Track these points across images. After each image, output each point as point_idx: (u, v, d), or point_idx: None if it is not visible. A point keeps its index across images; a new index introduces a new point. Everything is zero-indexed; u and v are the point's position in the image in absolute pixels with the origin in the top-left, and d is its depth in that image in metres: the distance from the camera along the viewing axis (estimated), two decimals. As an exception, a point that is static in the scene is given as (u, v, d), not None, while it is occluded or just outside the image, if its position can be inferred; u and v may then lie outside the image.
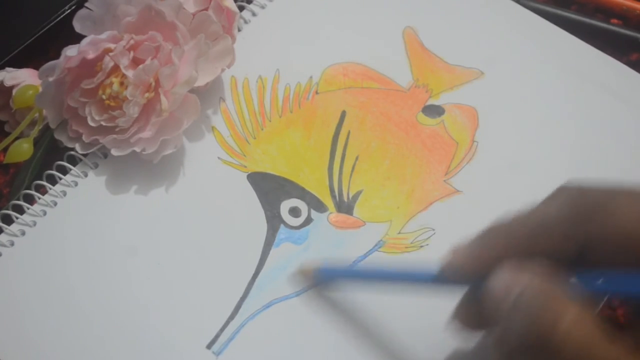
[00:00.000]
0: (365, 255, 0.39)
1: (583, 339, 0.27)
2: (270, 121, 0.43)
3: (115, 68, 0.40)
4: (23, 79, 0.43)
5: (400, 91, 0.45)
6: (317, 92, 0.44)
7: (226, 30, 0.43)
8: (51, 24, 0.46)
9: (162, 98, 0.39)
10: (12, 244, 0.39)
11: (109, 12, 0.41)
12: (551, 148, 0.42)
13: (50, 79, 0.39)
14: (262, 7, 0.48)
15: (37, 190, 0.41)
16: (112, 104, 0.40)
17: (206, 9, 0.42)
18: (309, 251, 0.39)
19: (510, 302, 0.28)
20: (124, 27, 0.40)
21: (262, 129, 0.43)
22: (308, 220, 0.40)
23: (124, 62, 0.39)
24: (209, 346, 0.37)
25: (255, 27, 0.47)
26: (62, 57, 0.39)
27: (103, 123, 0.40)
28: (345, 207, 0.41)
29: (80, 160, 0.42)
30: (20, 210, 0.40)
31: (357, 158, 0.42)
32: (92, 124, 0.40)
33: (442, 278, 0.32)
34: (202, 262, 0.39)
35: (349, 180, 0.41)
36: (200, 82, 0.41)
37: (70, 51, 0.39)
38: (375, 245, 0.39)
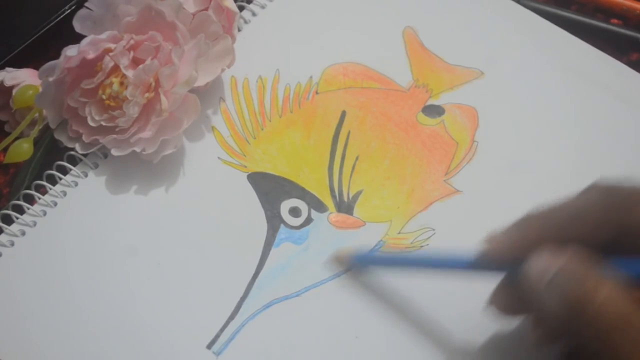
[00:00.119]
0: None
1: (619, 311, 0.27)
2: (270, 121, 0.43)
3: (115, 68, 0.40)
4: (23, 79, 0.43)
5: (400, 91, 0.45)
6: (317, 92, 0.44)
7: (226, 30, 0.43)
8: (51, 24, 0.46)
9: (162, 98, 0.39)
10: (12, 244, 0.39)
11: (109, 12, 0.41)
12: (551, 148, 0.42)
13: (50, 79, 0.39)
14: (262, 7, 0.48)
15: (37, 190, 0.41)
16: (112, 104, 0.40)
17: (206, 9, 0.42)
18: (309, 251, 0.39)
19: (547, 280, 0.29)
20: (124, 27, 0.40)
21: (262, 129, 0.43)
22: (308, 220, 0.40)
23: (124, 62, 0.39)
24: (209, 346, 0.37)
25: (255, 27, 0.47)
26: (62, 57, 0.39)
27: (103, 123, 0.40)
28: (345, 207, 0.41)
29: (80, 160, 0.42)
30: (20, 210, 0.40)
31: (357, 158, 0.42)
32: (92, 124, 0.40)
33: (478, 265, 0.33)
34: (202, 262, 0.39)
35: (349, 180, 0.41)
36: (200, 82, 0.41)
37: (70, 51, 0.39)
38: (376, 245, 0.40)
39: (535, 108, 0.44)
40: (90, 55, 0.39)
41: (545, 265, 0.29)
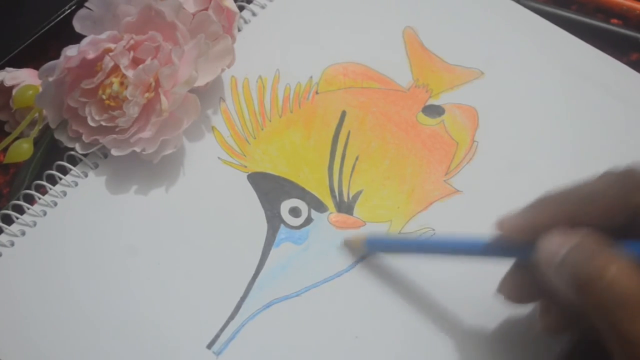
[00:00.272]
0: (366, 256, 0.39)
1: (628, 288, 0.27)
2: (270, 121, 0.43)
3: (115, 68, 0.40)
4: (23, 79, 0.43)
5: (400, 91, 0.45)
6: (317, 92, 0.44)
7: (226, 30, 0.43)
8: (51, 24, 0.46)
9: (162, 98, 0.39)
10: (12, 244, 0.39)
11: (109, 12, 0.41)
12: (551, 148, 0.42)
13: (50, 79, 0.39)
14: (262, 7, 0.48)
15: (37, 190, 0.41)
16: (112, 104, 0.40)
17: (206, 9, 0.42)
18: (309, 251, 0.39)
19: (558, 260, 0.29)
20: (124, 27, 0.40)
21: (262, 129, 0.43)
22: (308, 220, 0.40)
23: (124, 62, 0.39)
24: (209, 346, 0.37)
25: (255, 27, 0.47)
26: (62, 57, 0.39)
27: (103, 123, 0.40)
28: (345, 207, 0.41)
29: (80, 160, 0.42)
30: (20, 210, 0.40)
31: (357, 158, 0.42)
32: (92, 124, 0.40)
33: (490, 249, 0.33)
34: (202, 262, 0.39)
35: (349, 180, 0.41)
36: (200, 82, 0.41)
37: (70, 51, 0.39)
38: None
39: (535, 108, 0.44)
40: (90, 55, 0.39)
41: (556, 247, 0.29)
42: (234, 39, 0.43)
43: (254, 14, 0.47)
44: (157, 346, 0.36)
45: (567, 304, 0.29)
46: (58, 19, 0.46)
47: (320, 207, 0.41)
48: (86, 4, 0.41)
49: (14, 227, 0.40)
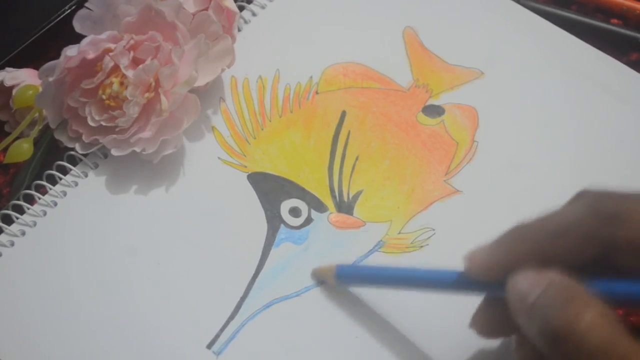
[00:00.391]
0: (366, 256, 0.39)
1: (605, 334, 0.26)
2: (270, 121, 0.43)
3: (115, 68, 0.40)
4: (23, 79, 0.43)
5: (400, 91, 0.45)
6: (317, 92, 0.44)
7: (226, 30, 0.43)
8: (51, 24, 0.46)
9: (162, 98, 0.39)
10: (12, 244, 0.39)
11: (109, 12, 0.41)
12: (551, 148, 0.42)
13: (50, 79, 0.39)
14: (262, 7, 0.47)
15: (37, 190, 0.41)
16: (112, 104, 0.40)
17: (206, 9, 0.42)
18: (309, 251, 0.39)
19: (529, 306, 0.28)
20: (124, 27, 0.40)
21: (262, 129, 0.43)
22: (308, 220, 0.40)
23: (124, 62, 0.39)
24: (209, 346, 0.37)
25: (255, 27, 0.47)
26: (62, 57, 0.39)
27: (103, 123, 0.40)
28: (345, 207, 0.41)
29: (80, 160, 0.42)
30: (20, 210, 0.40)
31: (357, 158, 0.42)
32: (92, 124, 0.40)
33: (460, 282, 0.32)
34: (202, 262, 0.39)
35: (349, 180, 0.41)
36: (200, 82, 0.41)
37: (70, 51, 0.39)
38: (376, 245, 0.39)
39: (535, 108, 0.44)
40: (90, 55, 0.39)
41: (526, 289, 0.28)
42: (234, 39, 0.43)
43: (254, 14, 0.47)
44: (157, 346, 0.36)
45: (541, 348, 0.28)
46: (58, 19, 0.46)
47: (320, 207, 0.41)
48: (86, 4, 0.41)
49: (14, 227, 0.40)
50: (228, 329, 0.37)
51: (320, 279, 0.38)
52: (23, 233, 0.40)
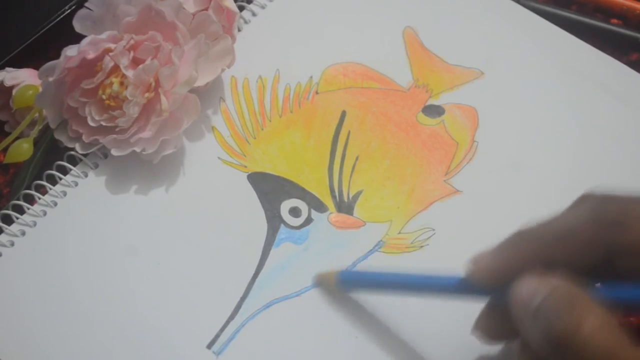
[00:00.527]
0: (366, 256, 0.39)
1: (607, 342, 0.26)
2: (270, 121, 0.43)
3: (115, 68, 0.40)
4: (23, 79, 0.43)
5: (400, 91, 0.45)
6: (317, 92, 0.44)
7: (226, 30, 0.43)
8: (51, 24, 0.46)
9: (162, 98, 0.39)
10: (12, 244, 0.39)
11: (109, 12, 0.41)
12: (551, 148, 0.42)
13: (50, 79, 0.39)
14: (262, 7, 0.47)
15: (37, 190, 0.41)
16: (112, 104, 0.40)
17: (206, 9, 0.42)
18: (309, 251, 0.39)
19: (535, 306, 0.27)
20: (124, 27, 0.40)
21: (262, 129, 0.43)
22: (308, 220, 0.40)
23: (124, 62, 0.39)
24: (209, 346, 0.37)
25: (255, 27, 0.47)
26: (62, 57, 0.39)
27: (103, 123, 0.40)
28: (345, 207, 0.41)
29: (80, 160, 0.42)
30: (20, 210, 0.40)
31: (357, 158, 0.42)
32: (92, 124, 0.40)
33: (464, 287, 0.32)
34: (202, 262, 0.39)
35: (349, 180, 0.41)
36: (200, 82, 0.41)
37: (70, 51, 0.39)
38: (376, 245, 0.39)
39: (535, 108, 0.44)
40: (90, 55, 0.39)
41: (530, 294, 0.28)
42: (234, 39, 0.43)
43: (254, 14, 0.47)
44: (157, 346, 0.36)
45: (544, 354, 0.28)
46: (58, 19, 0.46)
47: (320, 207, 0.41)
48: (86, 4, 0.41)
49: (14, 227, 0.40)
50: (228, 329, 0.37)
51: (322, 285, 0.38)
52: (23, 233, 0.40)
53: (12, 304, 0.38)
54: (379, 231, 0.40)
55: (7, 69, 0.43)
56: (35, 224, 0.40)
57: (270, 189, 0.41)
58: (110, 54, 0.39)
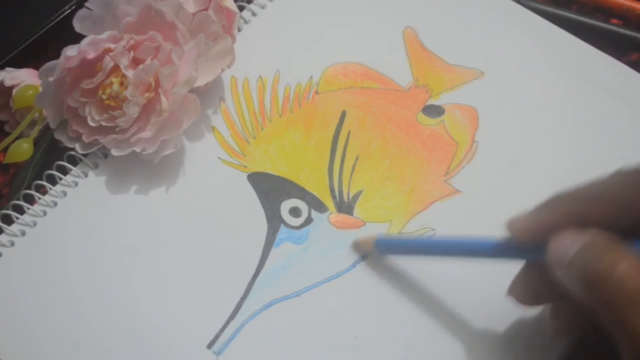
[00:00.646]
0: (366, 256, 0.39)
1: (636, 286, 0.27)
2: (270, 121, 0.43)
3: (115, 68, 0.40)
4: (23, 79, 0.43)
5: (400, 91, 0.45)
6: (317, 92, 0.44)
7: (226, 30, 0.43)
8: (51, 24, 0.46)
9: (162, 98, 0.39)
10: (12, 244, 0.39)
11: (109, 12, 0.41)
12: (551, 148, 0.42)
13: (50, 79, 0.39)
14: (262, 7, 0.47)
15: (37, 190, 0.41)
16: (112, 104, 0.40)
17: (206, 9, 0.42)
18: (309, 251, 0.39)
19: (568, 260, 0.29)
20: (124, 27, 0.40)
21: (262, 129, 0.43)
22: (308, 220, 0.40)
23: (124, 62, 0.39)
24: (209, 346, 0.37)
25: (255, 27, 0.47)
26: (62, 57, 0.39)
27: (103, 123, 0.40)
28: (345, 207, 0.41)
29: (80, 160, 0.42)
30: (20, 210, 0.40)
31: (357, 158, 0.42)
32: (92, 124, 0.40)
33: (500, 250, 0.32)
34: (202, 262, 0.39)
35: (349, 180, 0.41)
36: (200, 82, 0.41)
37: (70, 51, 0.39)
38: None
39: (535, 108, 0.44)
40: (90, 55, 0.39)
41: (566, 246, 0.29)
42: (234, 39, 0.43)
43: (254, 14, 0.47)
44: (157, 346, 0.36)
45: (577, 305, 0.29)
46: (58, 19, 0.46)
47: (320, 207, 0.41)
48: (86, 4, 0.41)
49: (14, 227, 0.40)
50: (228, 329, 0.37)
51: (360, 249, 0.39)
52: (23, 233, 0.40)
53: (12, 304, 0.38)
54: (379, 231, 0.40)
55: (7, 69, 0.43)
56: (35, 224, 0.40)
57: (271, 189, 0.41)
58: (110, 54, 0.39)
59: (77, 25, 0.41)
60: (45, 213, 0.40)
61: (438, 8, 0.48)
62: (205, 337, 0.37)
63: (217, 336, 0.37)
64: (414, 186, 0.41)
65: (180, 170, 0.42)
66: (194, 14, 0.41)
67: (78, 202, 0.41)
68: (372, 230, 0.40)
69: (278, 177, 0.42)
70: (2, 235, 0.40)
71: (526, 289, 0.33)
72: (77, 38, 0.40)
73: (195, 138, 0.43)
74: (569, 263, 0.29)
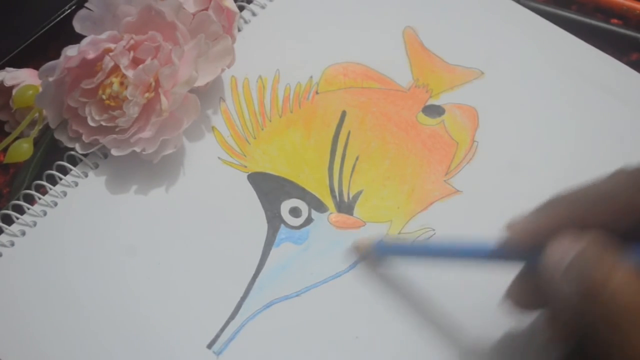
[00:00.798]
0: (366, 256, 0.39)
1: (631, 298, 0.27)
2: (270, 121, 0.43)
3: (115, 68, 0.40)
4: (23, 79, 0.43)
5: (400, 91, 0.45)
6: (317, 92, 0.44)
7: (226, 30, 0.43)
8: (51, 24, 0.46)
9: (162, 98, 0.39)
10: (12, 244, 0.39)
11: (109, 12, 0.41)
12: (551, 148, 0.42)
13: (50, 79, 0.39)
14: (262, 7, 0.48)
15: (37, 190, 0.41)
16: (112, 104, 0.40)
17: (206, 9, 0.42)
18: (309, 251, 0.39)
19: (566, 262, 0.28)
20: (124, 27, 0.40)
21: (263, 129, 0.43)
22: (308, 221, 0.40)
23: (124, 62, 0.39)
24: (209, 346, 0.37)
25: (255, 27, 0.47)
26: (62, 57, 0.39)
27: (103, 123, 0.40)
28: (345, 207, 0.41)
29: (80, 160, 0.42)
30: (20, 210, 0.40)
31: (357, 158, 0.42)
32: (92, 124, 0.40)
33: (498, 252, 0.32)
34: (202, 262, 0.39)
35: (349, 180, 0.41)
36: (200, 82, 0.41)
37: (70, 51, 0.39)
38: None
39: (535, 108, 0.44)
40: (90, 55, 0.39)
41: (563, 252, 0.29)
42: (234, 39, 0.43)
43: (254, 14, 0.47)
44: (157, 346, 0.36)
45: (573, 313, 0.29)
46: (58, 19, 0.46)
47: (320, 207, 0.41)
48: (86, 4, 0.41)
49: (14, 227, 0.40)
50: (228, 329, 0.37)
51: (358, 253, 0.38)
52: (23, 233, 0.40)
53: (12, 304, 0.38)
54: (379, 231, 0.40)
55: (7, 69, 0.43)
56: (35, 224, 0.40)
57: (271, 189, 0.41)
58: (110, 54, 0.39)
59: (77, 25, 0.41)
60: (45, 213, 0.40)
61: (438, 8, 0.48)
62: (205, 337, 0.37)
63: (217, 336, 0.37)
64: (414, 186, 0.41)
65: (180, 170, 0.42)
66: (194, 14, 0.41)
67: (78, 202, 0.41)
68: (372, 230, 0.40)
69: (278, 177, 0.42)
70: (2, 235, 0.40)
71: (523, 293, 0.33)
72: (77, 38, 0.40)
73: (195, 138, 0.43)
74: (564, 271, 0.28)
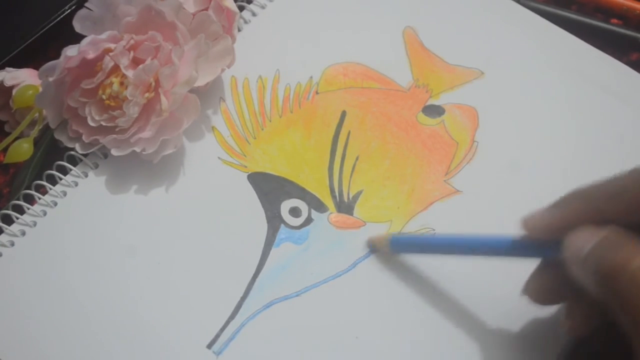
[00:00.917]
0: (366, 256, 0.39)
1: None
2: (270, 121, 0.43)
3: (115, 68, 0.40)
4: (23, 79, 0.43)
5: (400, 91, 0.45)
6: (317, 92, 0.44)
7: (226, 30, 0.43)
8: (51, 24, 0.46)
9: (162, 98, 0.39)
10: (12, 244, 0.39)
11: (109, 12, 0.41)
12: (551, 148, 0.42)
13: (50, 79, 0.39)
14: (262, 7, 0.48)
15: (37, 190, 0.41)
16: (112, 104, 0.40)
17: (206, 9, 0.42)
18: (309, 251, 0.39)
19: (586, 251, 0.29)
20: (124, 27, 0.40)
21: (263, 129, 0.43)
22: (308, 220, 0.40)
23: (124, 62, 0.39)
24: (209, 346, 0.37)
25: (255, 27, 0.47)
26: (62, 57, 0.39)
27: (103, 123, 0.40)
28: (345, 207, 0.41)
29: (81, 160, 0.42)
30: (20, 210, 0.40)
31: (357, 158, 0.42)
32: (92, 124, 0.40)
33: (516, 248, 0.32)
34: (202, 262, 0.39)
35: (349, 180, 0.41)
36: (200, 82, 0.41)
37: (70, 51, 0.39)
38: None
39: (535, 108, 0.44)
40: (90, 55, 0.39)
41: (582, 243, 0.29)
42: (234, 39, 0.43)
43: (254, 14, 0.47)
44: (157, 346, 0.36)
45: (592, 302, 0.29)
46: (58, 19, 0.46)
47: (320, 207, 0.41)
48: (86, 4, 0.41)
49: (14, 227, 0.40)
50: (228, 329, 0.37)
51: (375, 247, 0.39)
52: (23, 233, 0.40)
53: (12, 304, 0.38)
54: (379, 231, 0.40)
55: (7, 69, 0.43)
56: (35, 224, 0.40)
57: (271, 189, 0.41)
58: (110, 54, 0.39)
59: (77, 25, 0.41)
60: (45, 213, 0.40)
61: (438, 8, 0.48)
62: (205, 337, 0.37)
63: (217, 336, 0.37)
64: (414, 186, 0.41)
65: (180, 170, 0.42)
66: (194, 14, 0.41)
67: (78, 202, 0.41)
68: (372, 230, 0.40)
69: (278, 177, 0.42)
70: (2, 235, 0.40)
71: (541, 288, 0.33)
72: (77, 38, 0.40)
73: (195, 138, 0.43)
74: (585, 258, 0.29)
